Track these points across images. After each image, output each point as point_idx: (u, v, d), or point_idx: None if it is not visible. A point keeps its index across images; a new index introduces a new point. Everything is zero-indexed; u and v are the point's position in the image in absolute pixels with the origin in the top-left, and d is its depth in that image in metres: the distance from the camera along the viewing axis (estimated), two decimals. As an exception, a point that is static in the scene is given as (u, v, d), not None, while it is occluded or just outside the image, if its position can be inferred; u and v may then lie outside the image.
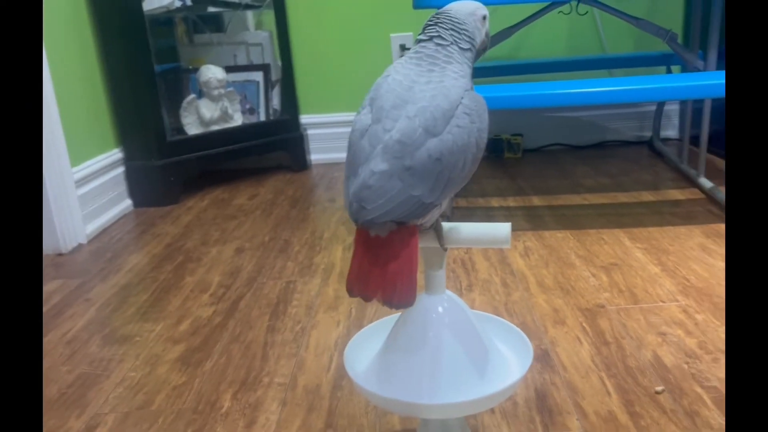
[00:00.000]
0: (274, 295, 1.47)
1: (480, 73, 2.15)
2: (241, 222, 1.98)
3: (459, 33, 0.82)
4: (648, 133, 2.52)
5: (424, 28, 0.83)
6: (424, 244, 0.91)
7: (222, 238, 1.85)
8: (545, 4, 1.84)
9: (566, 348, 1.17)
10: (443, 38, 0.81)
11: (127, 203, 2.19)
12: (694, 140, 2.41)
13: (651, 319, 1.25)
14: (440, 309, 0.89)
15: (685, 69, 2.27)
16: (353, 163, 0.76)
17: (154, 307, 1.44)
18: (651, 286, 1.38)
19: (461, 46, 0.82)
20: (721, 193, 1.81)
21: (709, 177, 1.96)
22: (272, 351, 1.23)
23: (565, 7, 1.93)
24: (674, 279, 1.40)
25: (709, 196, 1.88)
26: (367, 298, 0.77)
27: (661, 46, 2.27)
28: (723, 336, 1.17)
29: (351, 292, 0.78)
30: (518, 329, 0.93)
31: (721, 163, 2.21)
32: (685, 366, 1.09)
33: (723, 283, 1.36)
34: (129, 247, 1.84)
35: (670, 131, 2.54)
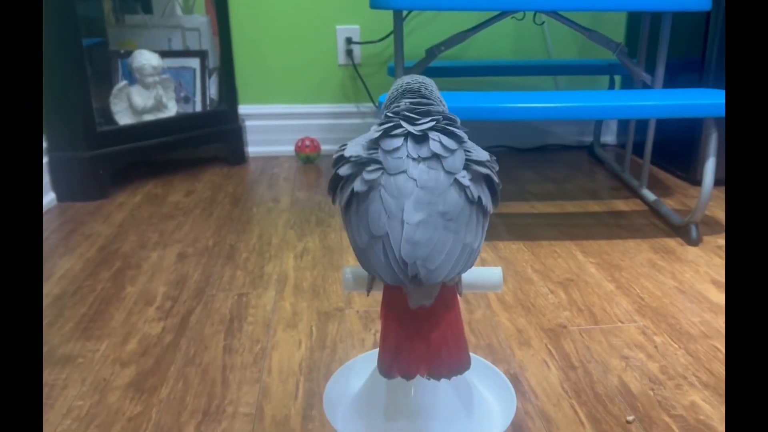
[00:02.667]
0: (227, 309, 1.39)
1: (425, 74, 2.12)
2: (181, 223, 1.87)
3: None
4: (587, 138, 2.58)
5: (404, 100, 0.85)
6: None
7: (161, 241, 1.75)
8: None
9: (535, 373, 1.17)
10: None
11: (51, 197, 2.03)
12: (624, 146, 2.48)
13: (612, 341, 1.27)
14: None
15: (628, 78, 2.32)
16: (376, 221, 0.70)
17: (96, 322, 1.34)
18: (608, 304, 1.40)
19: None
20: (665, 206, 1.87)
21: (650, 188, 2.01)
22: (232, 375, 1.16)
23: (518, 13, 1.92)
24: (629, 297, 1.43)
25: (652, 208, 1.93)
26: (409, 377, 0.71)
27: (604, 54, 2.31)
28: (682, 360, 1.20)
29: (389, 374, 0.72)
30: (502, 375, 0.91)
31: (658, 173, 2.28)
32: (651, 393, 1.11)
33: (675, 303, 1.40)
34: (58, 249, 1.70)
35: (608, 137, 2.61)
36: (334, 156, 0.80)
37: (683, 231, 1.74)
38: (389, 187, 0.71)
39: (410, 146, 0.74)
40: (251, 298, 1.44)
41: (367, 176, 0.73)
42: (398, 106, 0.81)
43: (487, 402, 0.90)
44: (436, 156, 0.73)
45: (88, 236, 1.78)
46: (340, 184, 0.77)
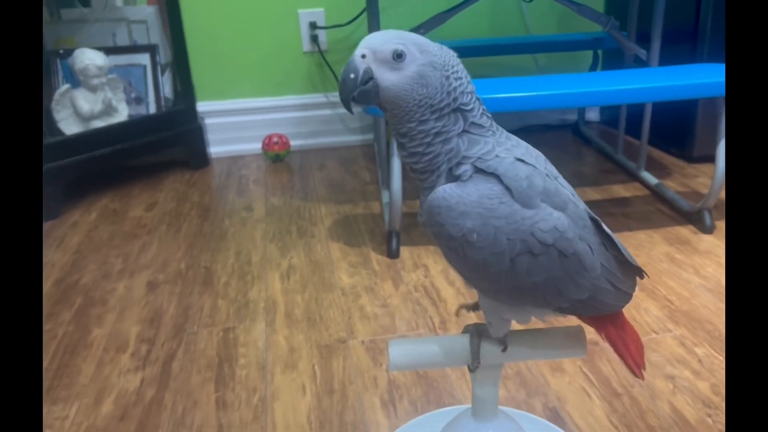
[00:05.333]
0: (213, 350, 1.22)
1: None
2: (146, 243, 1.67)
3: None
4: (570, 116, 2.45)
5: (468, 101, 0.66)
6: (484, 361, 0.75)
7: (127, 267, 1.55)
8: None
9: (577, 405, 1.03)
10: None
11: (-6, 221, 1.80)
12: (609, 123, 2.37)
13: (651, 357, 1.14)
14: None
15: (613, 53, 2.19)
16: (591, 264, 0.68)
17: (61, 379, 1.15)
18: (636, 311, 1.28)
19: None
20: (669, 191, 1.75)
21: (648, 170, 1.90)
22: (232, 438, 1.00)
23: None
24: (657, 301, 1.31)
25: (655, 192, 1.82)
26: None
27: (586, 28, 2.18)
28: (731, 374, 1.09)
29: (641, 373, 0.76)
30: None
31: (651, 151, 2.16)
32: (709, 420, 0.99)
33: (707, 304, 1.29)
34: (7, 286, 1.49)
35: (592, 113, 2.48)
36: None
37: (694, 217, 1.63)
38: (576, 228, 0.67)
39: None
40: (239, 334, 1.26)
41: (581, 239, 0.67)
42: (471, 108, 0.66)
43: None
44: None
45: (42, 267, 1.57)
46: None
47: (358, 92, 0.62)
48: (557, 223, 0.64)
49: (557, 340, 0.74)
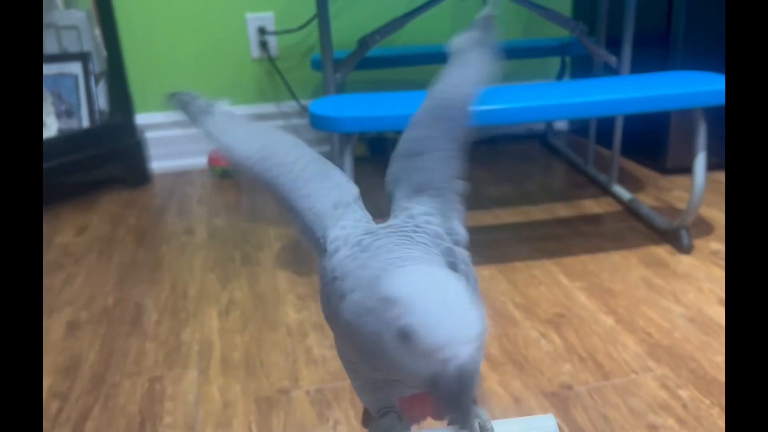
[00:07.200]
0: (135, 405, 1.06)
1: (357, 66, 1.80)
2: (71, 275, 1.50)
3: None
4: (537, 126, 2.33)
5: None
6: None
7: (45, 304, 1.38)
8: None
9: (550, 467, 0.90)
10: None
11: None
12: (579, 132, 2.26)
13: (631, 402, 1.02)
14: None
15: (581, 60, 2.08)
16: None
17: (-49, 449, 0.98)
18: (613, 347, 1.15)
19: None
20: (644, 206, 1.64)
21: (621, 182, 1.78)
22: None
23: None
24: (635, 335, 1.18)
25: (628, 208, 1.70)
26: None
27: (553, 33, 2.06)
28: (721, 423, 0.96)
29: None
30: None
31: (622, 162, 2.05)
32: (700, 481, 0.87)
33: (689, 337, 1.17)
34: None
35: (560, 123, 2.36)
36: None
37: (671, 236, 1.51)
38: None
39: None
40: (167, 385, 1.11)
41: None
42: None
43: None
44: None
45: (-52, 306, 1.39)
46: None
47: None
48: None
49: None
